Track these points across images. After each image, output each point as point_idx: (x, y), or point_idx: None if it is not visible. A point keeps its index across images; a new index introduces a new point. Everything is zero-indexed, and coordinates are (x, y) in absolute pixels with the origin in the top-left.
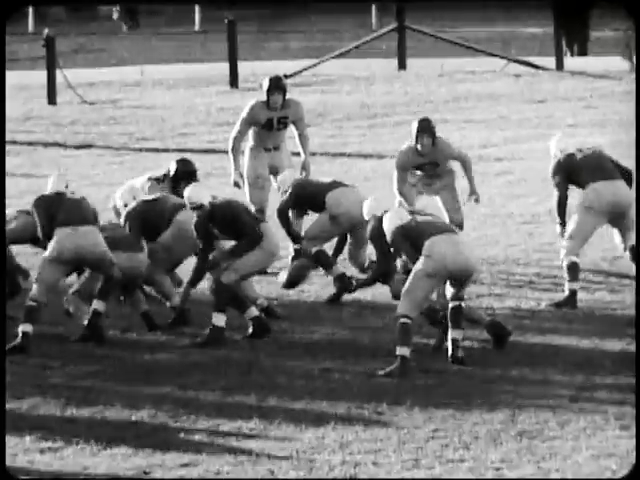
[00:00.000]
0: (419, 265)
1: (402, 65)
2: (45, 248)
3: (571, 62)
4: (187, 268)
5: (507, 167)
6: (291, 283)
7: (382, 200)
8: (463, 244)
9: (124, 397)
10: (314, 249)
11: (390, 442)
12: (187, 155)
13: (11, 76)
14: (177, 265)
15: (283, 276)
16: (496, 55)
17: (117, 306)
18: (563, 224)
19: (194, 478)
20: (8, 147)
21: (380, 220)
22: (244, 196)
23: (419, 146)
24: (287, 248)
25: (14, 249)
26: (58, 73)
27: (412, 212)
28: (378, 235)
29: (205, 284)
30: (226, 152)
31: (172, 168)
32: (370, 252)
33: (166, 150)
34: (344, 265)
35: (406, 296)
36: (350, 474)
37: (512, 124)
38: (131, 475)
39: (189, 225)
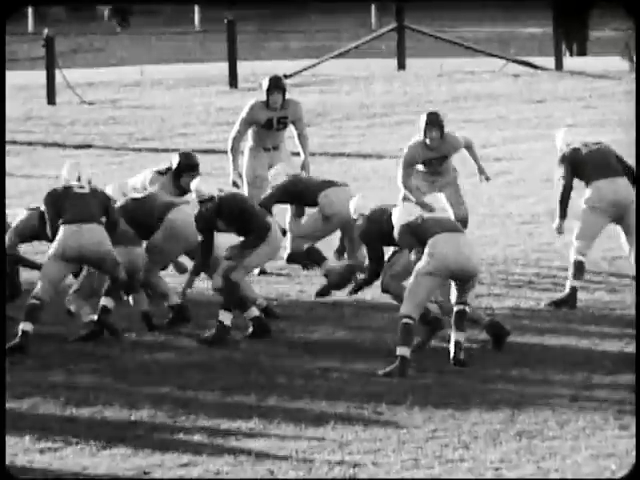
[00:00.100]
0: (421, 264)
1: (401, 65)
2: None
3: (570, 62)
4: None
5: (506, 167)
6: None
7: (369, 198)
8: (466, 244)
9: (124, 397)
10: (305, 246)
11: (390, 442)
12: None
13: (11, 76)
14: (169, 264)
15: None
16: (495, 55)
17: (118, 306)
18: (563, 216)
19: (194, 478)
20: (8, 147)
21: (369, 219)
22: None
23: (428, 140)
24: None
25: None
26: (58, 73)
27: (422, 205)
28: (368, 235)
29: (205, 284)
30: (225, 152)
31: (175, 161)
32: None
33: (165, 150)
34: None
35: (409, 296)
36: (349, 474)
37: (511, 124)
38: (131, 475)
39: (180, 224)
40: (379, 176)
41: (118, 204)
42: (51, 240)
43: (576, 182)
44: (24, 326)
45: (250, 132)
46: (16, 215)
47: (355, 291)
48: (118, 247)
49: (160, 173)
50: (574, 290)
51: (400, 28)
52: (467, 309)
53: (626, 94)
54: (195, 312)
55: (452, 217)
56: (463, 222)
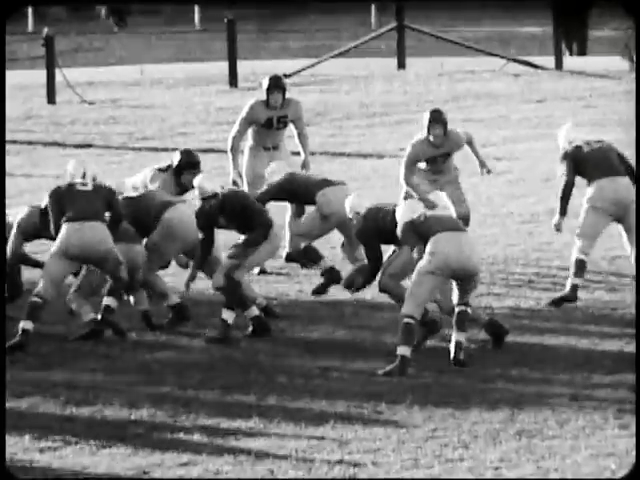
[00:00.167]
0: (422, 262)
1: (401, 64)
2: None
3: (570, 62)
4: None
5: (506, 166)
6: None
7: (364, 197)
8: (467, 243)
9: (123, 396)
10: (303, 244)
11: (389, 441)
12: None
13: (11, 76)
14: (168, 263)
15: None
16: (495, 54)
17: (118, 305)
18: (563, 213)
19: (193, 478)
20: (8, 146)
21: (365, 218)
22: None
23: (431, 137)
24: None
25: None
26: (57, 72)
27: (425, 202)
28: (365, 234)
29: (205, 284)
30: (225, 151)
31: (176, 158)
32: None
33: (165, 149)
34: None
35: (410, 296)
36: (349, 474)
37: (511, 123)
38: (130, 474)
39: (177, 223)
40: (379, 175)
41: None
42: (53, 238)
43: (578, 180)
44: (24, 324)
45: (250, 131)
46: (17, 213)
47: (355, 290)
48: (118, 244)
49: (161, 170)
50: (575, 287)
51: (400, 27)
52: (469, 310)
53: (626, 94)
54: (195, 311)
55: (454, 214)
56: (465, 220)
